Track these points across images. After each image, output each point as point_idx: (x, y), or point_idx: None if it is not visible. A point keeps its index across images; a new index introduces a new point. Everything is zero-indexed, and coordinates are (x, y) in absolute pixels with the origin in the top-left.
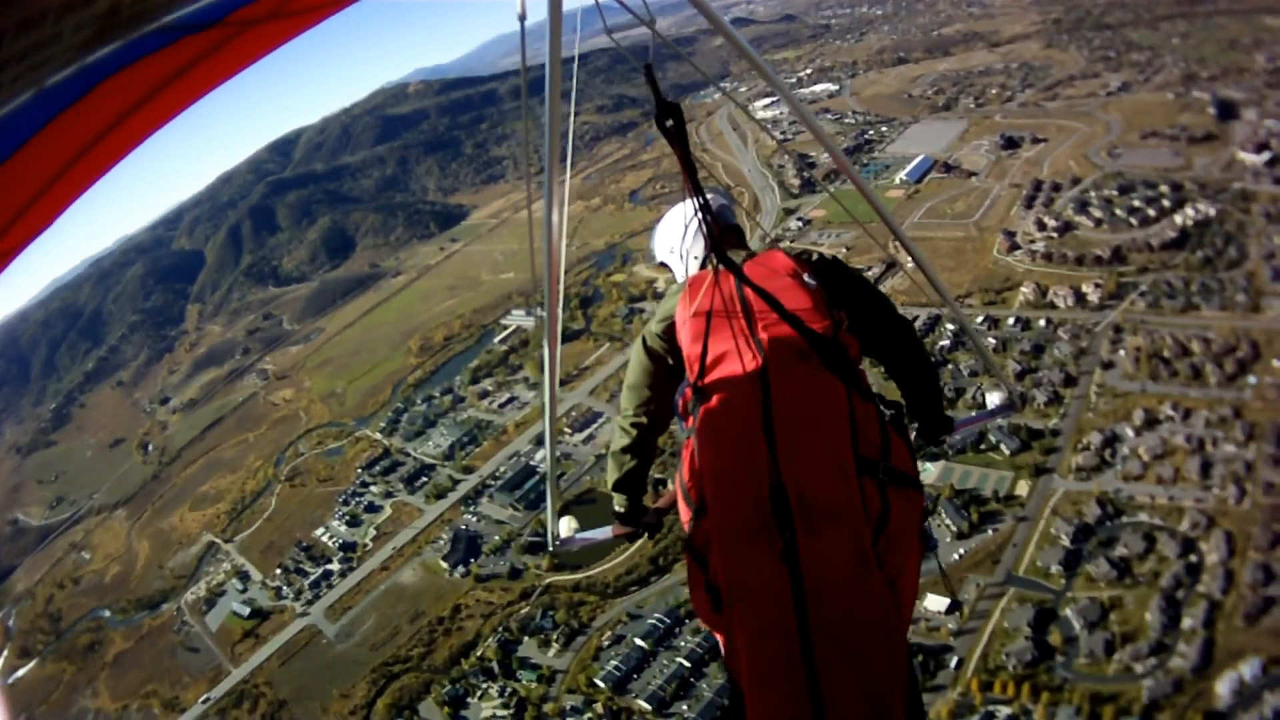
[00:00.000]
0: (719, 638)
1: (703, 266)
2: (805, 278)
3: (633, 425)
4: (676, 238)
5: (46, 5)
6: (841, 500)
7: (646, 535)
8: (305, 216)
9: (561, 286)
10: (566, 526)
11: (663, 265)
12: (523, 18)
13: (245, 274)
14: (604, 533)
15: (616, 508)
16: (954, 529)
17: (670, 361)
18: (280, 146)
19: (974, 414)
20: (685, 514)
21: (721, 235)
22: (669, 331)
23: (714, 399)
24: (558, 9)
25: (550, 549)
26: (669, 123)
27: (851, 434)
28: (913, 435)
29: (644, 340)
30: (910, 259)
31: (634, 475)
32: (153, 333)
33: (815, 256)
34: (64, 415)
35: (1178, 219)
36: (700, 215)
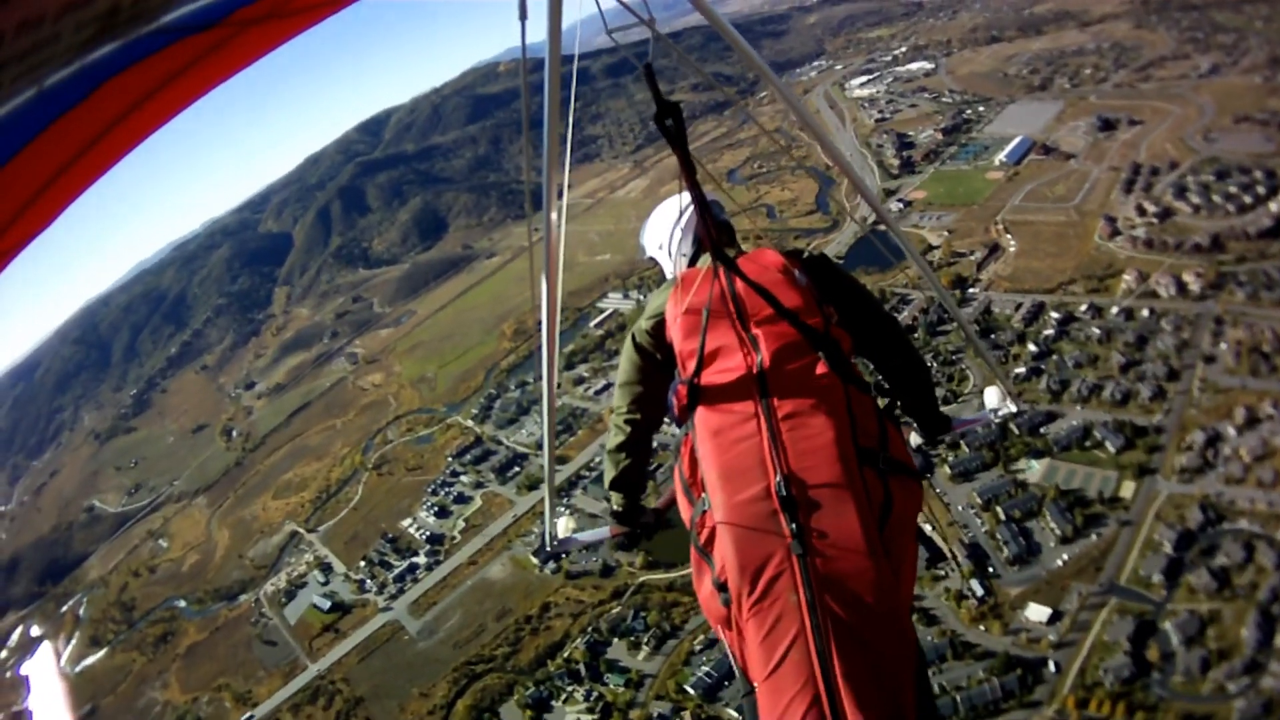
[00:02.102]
0: (724, 635)
1: (692, 263)
2: (796, 274)
3: (626, 422)
4: (666, 234)
5: (46, 5)
6: (847, 492)
7: (645, 536)
8: (396, 197)
9: (560, 288)
10: (563, 527)
11: (652, 261)
12: (523, 16)
13: (334, 256)
14: (601, 533)
15: (614, 507)
16: (1058, 533)
17: (659, 358)
18: (369, 127)
19: (971, 416)
20: (686, 510)
21: (715, 233)
22: (658, 328)
23: (712, 395)
24: (557, 8)
25: (547, 550)
26: (668, 122)
27: (850, 425)
28: (912, 435)
29: (633, 337)
30: (915, 258)
31: (631, 473)
32: (238, 316)
33: (805, 254)
34: (145, 401)
35: (1273, 207)
36: (698, 213)
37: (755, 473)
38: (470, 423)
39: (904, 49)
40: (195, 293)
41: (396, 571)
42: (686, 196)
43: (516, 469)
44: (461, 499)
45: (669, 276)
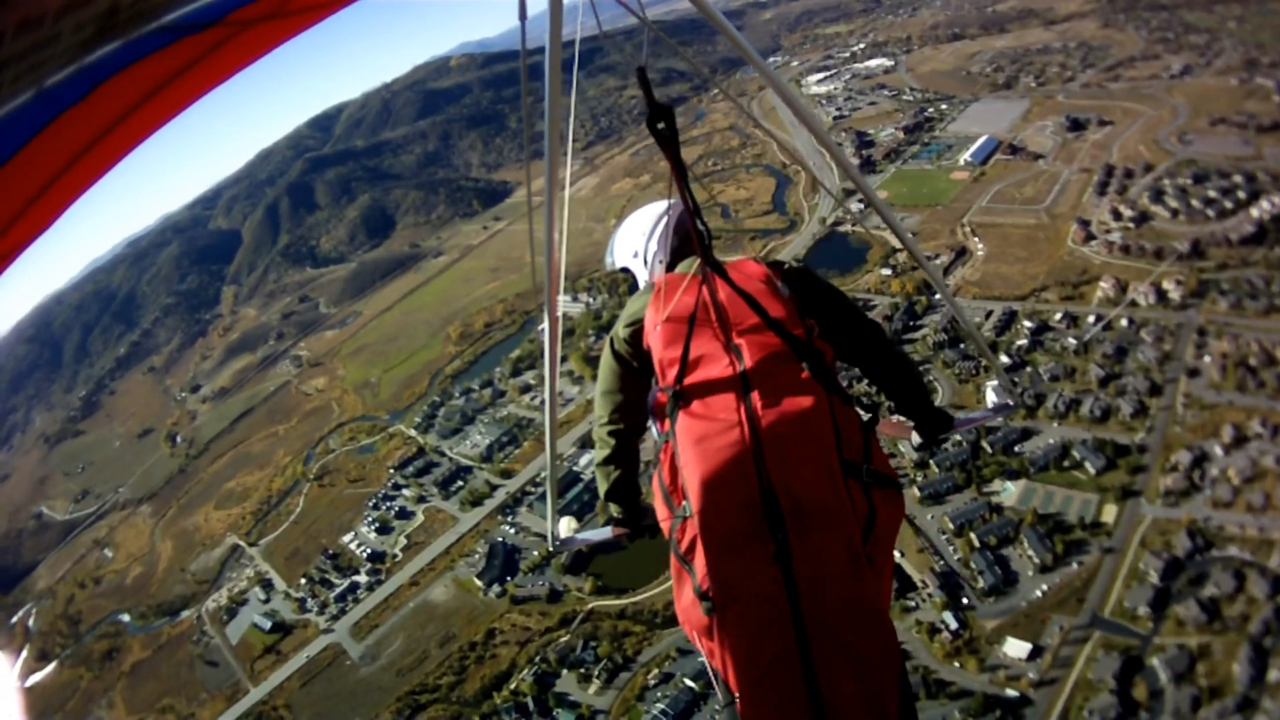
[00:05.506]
0: (703, 644)
1: (669, 270)
2: (779, 285)
3: (610, 434)
4: (642, 241)
5: (46, 5)
6: (832, 502)
7: (649, 536)
8: (345, 194)
9: (561, 281)
10: (566, 526)
11: (624, 271)
12: (523, 15)
13: (282, 254)
14: (604, 533)
15: (613, 515)
16: (1037, 561)
17: (637, 365)
18: (321, 122)
19: (974, 413)
20: (665, 518)
21: (689, 241)
22: (636, 336)
23: (694, 403)
24: (558, 5)
25: (550, 549)
26: (660, 125)
27: (835, 437)
28: (913, 436)
29: (612, 343)
30: (921, 260)
31: (623, 483)
32: (187, 316)
33: (787, 265)
34: (94, 403)
35: (1254, 212)
36: (690, 218)
37: (739, 482)
38: (413, 432)
39: (862, 45)
40: (145, 291)
41: (338, 590)
42: (662, 204)
43: (460, 483)
44: (403, 514)
45: (643, 284)
